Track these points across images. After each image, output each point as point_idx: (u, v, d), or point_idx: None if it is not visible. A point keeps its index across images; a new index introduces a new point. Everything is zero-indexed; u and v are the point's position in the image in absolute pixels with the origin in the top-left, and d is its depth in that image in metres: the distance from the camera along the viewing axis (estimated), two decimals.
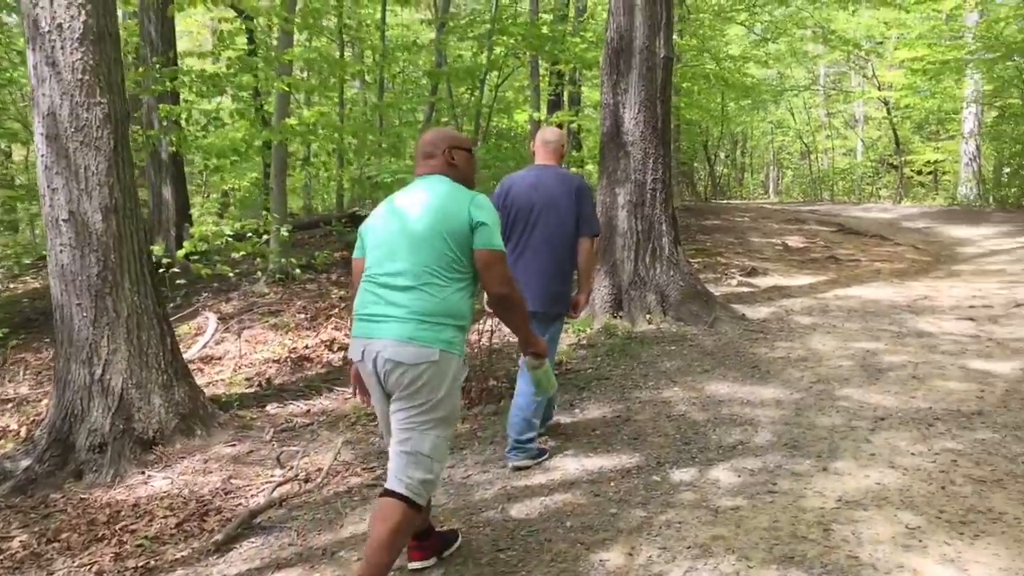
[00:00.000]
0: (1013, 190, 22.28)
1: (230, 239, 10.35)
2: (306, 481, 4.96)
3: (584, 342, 7.24)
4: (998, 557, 3.25)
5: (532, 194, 4.53)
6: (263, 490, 4.88)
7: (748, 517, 3.70)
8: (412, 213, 3.17)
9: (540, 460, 4.66)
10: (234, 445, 5.77)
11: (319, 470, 5.09)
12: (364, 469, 5.04)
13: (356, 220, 11.12)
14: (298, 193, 19.79)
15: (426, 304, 3.04)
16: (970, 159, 25.54)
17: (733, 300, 8.63)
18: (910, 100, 25.03)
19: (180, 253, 9.84)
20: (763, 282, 9.86)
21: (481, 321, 6.39)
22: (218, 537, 4.06)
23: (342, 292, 10.31)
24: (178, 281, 10.10)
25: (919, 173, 28.94)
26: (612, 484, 4.21)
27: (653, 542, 3.53)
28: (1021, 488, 3.89)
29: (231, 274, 10.99)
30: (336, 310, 9.46)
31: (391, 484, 3.12)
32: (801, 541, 3.44)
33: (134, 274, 5.77)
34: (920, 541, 3.40)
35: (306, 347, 8.25)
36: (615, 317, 7.70)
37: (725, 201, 25.26)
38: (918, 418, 4.94)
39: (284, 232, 10.97)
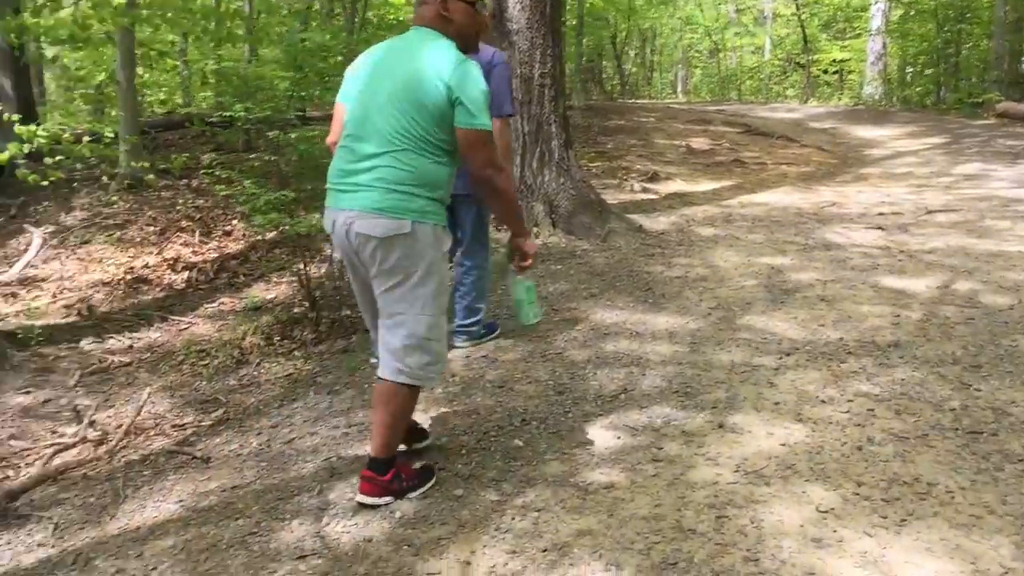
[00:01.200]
0: (918, 89, 22.03)
1: (68, 141, 9.02)
2: (100, 443, 4.04)
3: None
4: (931, 553, 2.56)
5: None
6: (43, 456, 3.93)
7: (624, 500, 2.93)
8: (388, 74, 2.87)
9: (486, 339, 4.55)
10: (28, 392, 4.79)
11: (120, 427, 4.16)
12: (174, 427, 4.13)
13: (226, 120, 9.87)
14: (172, 90, 18.05)
15: (396, 172, 2.78)
16: (876, 58, 25.18)
17: (631, 209, 7.84)
18: None
19: (2, 156, 8.50)
20: (665, 188, 9.08)
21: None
22: None
23: (201, 201, 9.15)
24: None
25: (825, 72, 28.61)
26: (463, 453, 3.39)
27: (501, 541, 2.73)
28: (951, 447, 3.22)
29: (75, 181, 9.70)
30: (189, 222, 8.33)
31: (384, 373, 2.93)
32: (688, 536, 2.69)
33: None
34: (835, 531, 2.68)
35: (146, 266, 7.17)
36: (496, 230, 6.83)
37: (632, 101, 24.36)
38: (828, 352, 4.26)
39: (133, 135, 9.66)
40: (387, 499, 2.98)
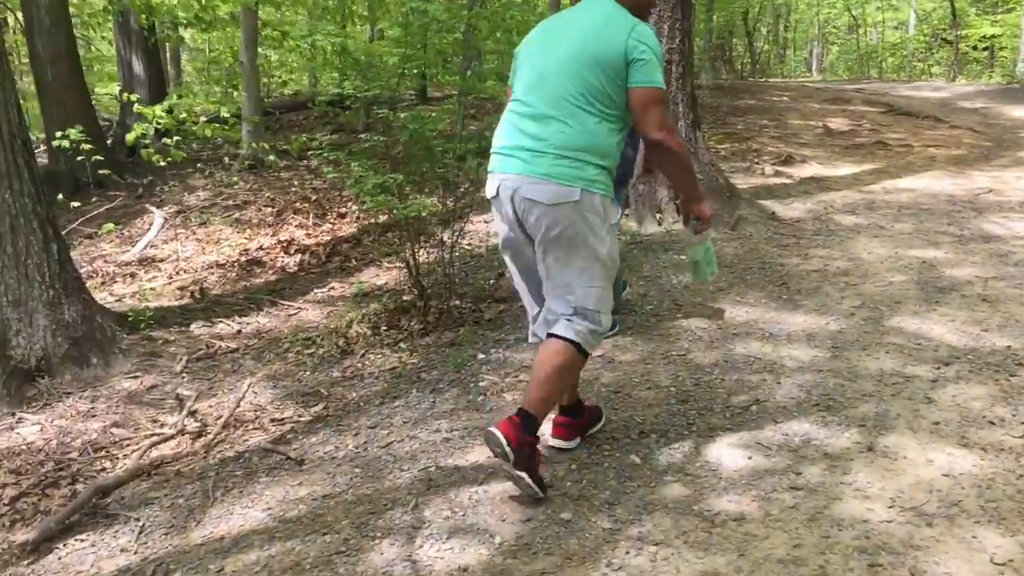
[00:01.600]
0: None
1: (193, 122, 9.10)
2: (198, 436, 3.89)
3: None
4: None
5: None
6: (141, 447, 3.81)
7: (757, 537, 2.54)
8: (563, 37, 2.82)
9: (607, 335, 3.79)
10: (135, 377, 4.71)
11: (219, 419, 4.01)
12: (273, 421, 3.94)
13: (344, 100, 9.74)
14: (297, 71, 18.26)
15: (567, 137, 2.71)
16: None
17: (763, 194, 7.30)
18: None
19: (129, 137, 8.63)
20: (800, 172, 8.45)
21: (450, 226, 5.17)
22: (30, 536, 2.99)
23: (318, 182, 9.09)
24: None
25: (974, 48, 26.71)
26: (572, 469, 3.05)
27: None
28: None
29: (200, 161, 9.81)
30: (305, 204, 8.26)
31: (553, 328, 2.83)
32: None
33: (3, 166, 4.62)
34: None
35: (260, 248, 7.11)
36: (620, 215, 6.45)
37: (764, 80, 23.34)
38: (995, 363, 3.71)
39: (255, 115, 9.68)
40: (511, 452, 2.72)
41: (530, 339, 3.05)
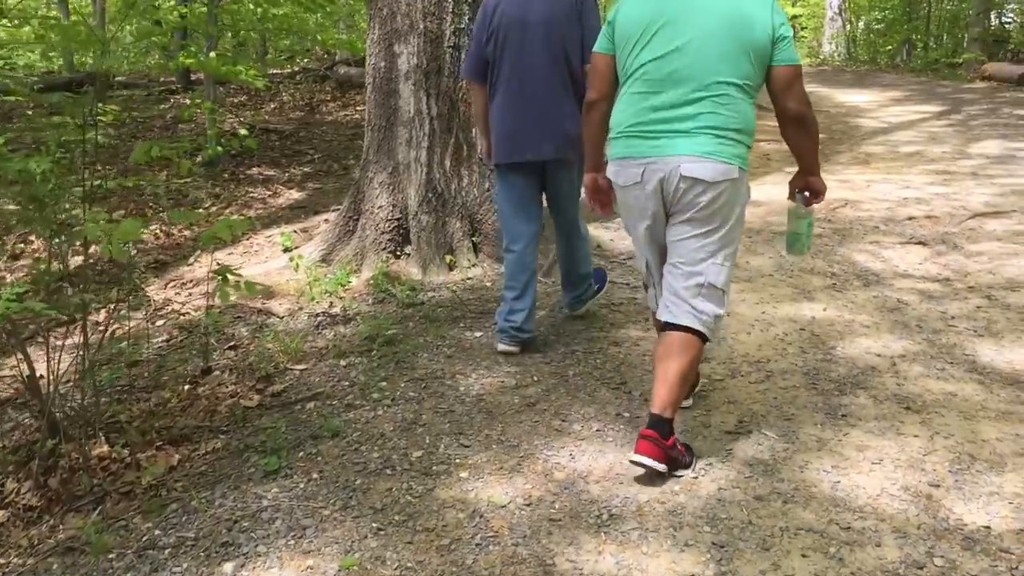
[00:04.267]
0: (889, 48, 20.32)
1: None
2: None
3: (337, 311, 4.28)
4: None
5: (525, 10, 3.53)
6: None
7: None
8: (703, 13, 2.64)
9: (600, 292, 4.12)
10: None
11: None
12: None
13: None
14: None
15: (722, 118, 2.64)
16: (835, 13, 23.47)
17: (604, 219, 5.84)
18: None
19: None
20: None
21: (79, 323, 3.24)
22: None
23: None
24: None
25: None
26: None
27: None
28: None
29: None
30: None
31: (681, 319, 2.74)
32: None
33: None
34: None
35: None
36: (396, 256, 4.74)
37: None
38: None
39: None
40: (664, 466, 2.66)
41: (660, 315, 2.85)
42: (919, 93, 13.20)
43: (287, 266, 4.83)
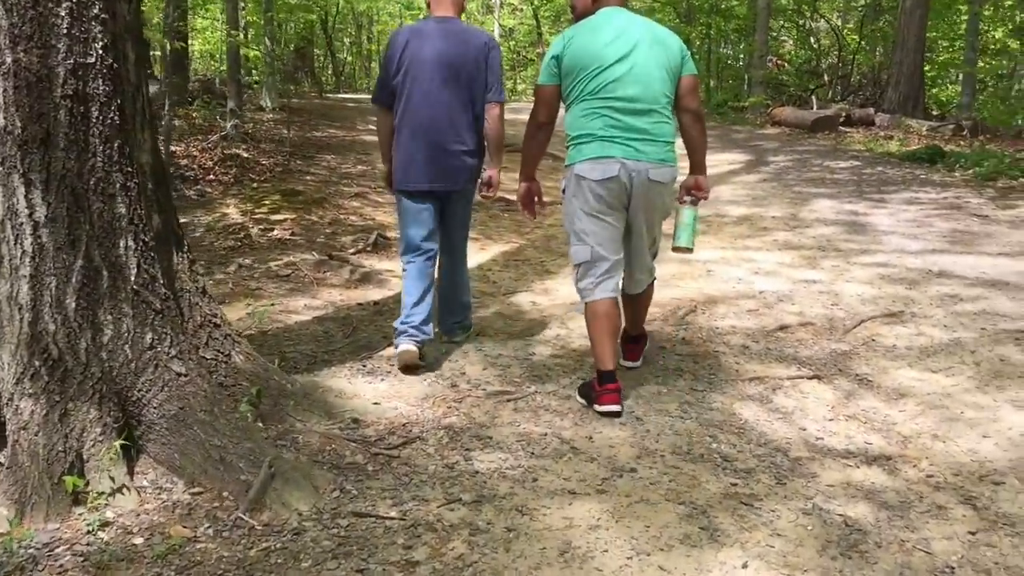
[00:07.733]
0: None
1: None
2: None
3: None
4: None
5: (437, 50, 3.74)
6: None
7: None
8: (649, 43, 3.29)
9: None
10: None
11: None
12: None
13: None
14: None
15: (665, 128, 3.30)
16: None
17: (346, 352, 3.92)
18: None
19: None
20: (398, 265, 5.03)
21: None
22: None
23: None
24: None
25: None
26: None
27: None
28: None
29: None
30: None
31: (646, 281, 3.62)
32: None
33: None
34: None
35: None
36: None
37: (347, 95, 20.20)
38: None
39: None
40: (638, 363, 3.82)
41: (629, 289, 3.62)
42: (716, 139, 12.23)
43: None
